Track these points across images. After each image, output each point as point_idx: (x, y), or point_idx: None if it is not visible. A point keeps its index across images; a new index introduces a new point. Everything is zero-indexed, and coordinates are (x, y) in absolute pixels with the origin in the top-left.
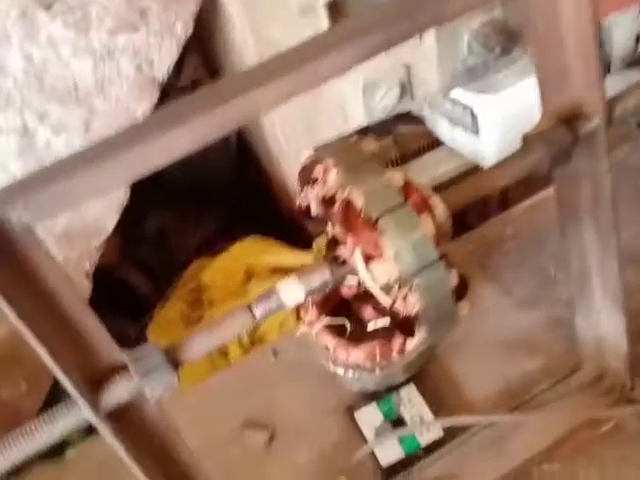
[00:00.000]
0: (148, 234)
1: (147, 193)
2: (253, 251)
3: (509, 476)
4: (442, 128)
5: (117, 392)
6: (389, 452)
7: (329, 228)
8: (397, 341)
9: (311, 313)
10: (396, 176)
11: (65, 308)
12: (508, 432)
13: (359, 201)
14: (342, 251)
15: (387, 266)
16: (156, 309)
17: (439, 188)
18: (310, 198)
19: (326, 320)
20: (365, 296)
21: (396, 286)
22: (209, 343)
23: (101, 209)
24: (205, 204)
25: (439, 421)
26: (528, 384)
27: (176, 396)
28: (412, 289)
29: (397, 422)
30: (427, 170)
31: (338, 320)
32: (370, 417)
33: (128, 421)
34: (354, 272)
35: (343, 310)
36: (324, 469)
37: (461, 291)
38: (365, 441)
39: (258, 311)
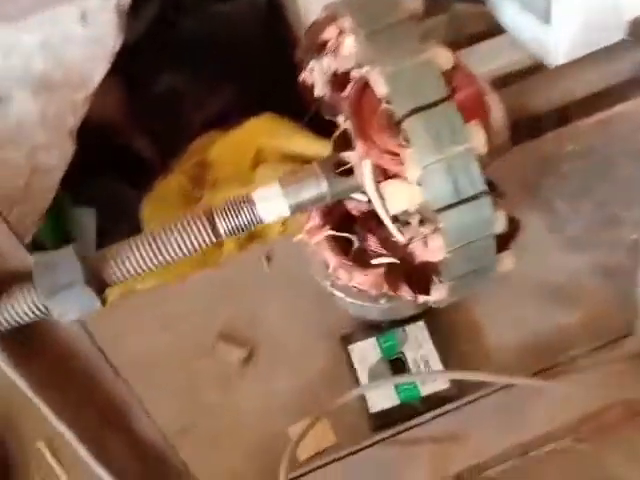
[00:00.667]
0: (158, 96)
1: (161, 50)
2: (267, 130)
3: (523, 448)
4: (506, 11)
5: (14, 308)
6: (382, 396)
7: (340, 119)
8: (404, 290)
9: (313, 219)
10: (442, 55)
11: None
12: (529, 397)
13: (379, 87)
14: (350, 156)
15: (407, 189)
16: (157, 179)
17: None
18: (316, 72)
19: (329, 231)
20: (374, 219)
21: (415, 220)
22: (147, 261)
23: (87, 56)
24: (225, 68)
25: (447, 373)
26: (562, 343)
27: (149, 291)
28: (438, 229)
29: (396, 363)
30: (481, 62)
31: (344, 234)
32: (366, 352)
33: (28, 345)
34: (360, 189)
35: (351, 224)
36: (303, 403)
37: (506, 239)
38: (356, 380)
39: (222, 226)
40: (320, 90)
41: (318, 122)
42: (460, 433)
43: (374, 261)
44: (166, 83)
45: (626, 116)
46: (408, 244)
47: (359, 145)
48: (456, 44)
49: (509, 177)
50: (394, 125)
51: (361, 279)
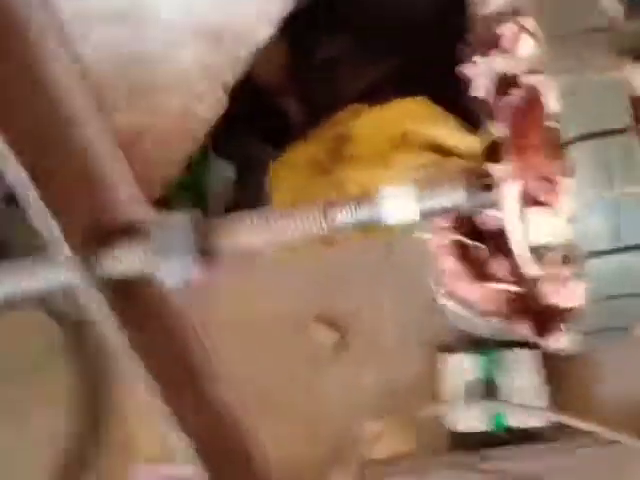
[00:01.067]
0: (317, 63)
1: (328, 16)
2: (416, 114)
3: None
4: None
5: (123, 259)
6: (467, 417)
7: (494, 125)
8: (524, 328)
9: (443, 220)
10: (637, 77)
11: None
12: (632, 460)
13: (551, 100)
14: (498, 170)
15: (556, 222)
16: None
17: None
18: (480, 67)
19: (457, 236)
20: (504, 241)
21: (557, 257)
22: (257, 240)
23: (255, 15)
24: (388, 42)
25: (546, 412)
26: None
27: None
28: (582, 274)
29: (492, 386)
30: None
31: (472, 243)
32: (462, 368)
33: (131, 300)
34: (499, 209)
35: (481, 234)
36: (386, 403)
37: None
38: (443, 392)
39: (337, 218)
40: (480, 88)
41: (472, 115)
42: (548, 477)
43: (497, 286)
44: (327, 50)
45: None
46: (539, 280)
47: (514, 160)
48: None
49: None
50: (558, 148)
51: (478, 293)
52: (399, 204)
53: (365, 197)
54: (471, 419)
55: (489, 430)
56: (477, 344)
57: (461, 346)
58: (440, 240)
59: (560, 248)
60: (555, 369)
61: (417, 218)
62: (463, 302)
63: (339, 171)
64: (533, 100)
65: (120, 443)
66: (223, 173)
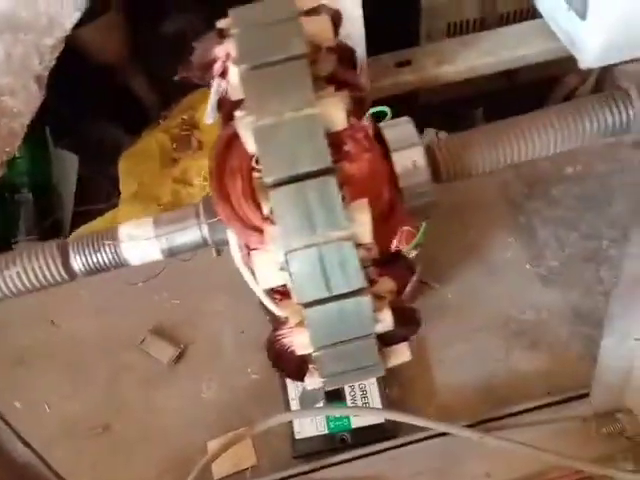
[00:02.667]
0: (165, 38)
1: None
2: None
3: None
4: None
5: None
6: (310, 423)
7: None
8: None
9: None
10: (333, 112)
11: None
12: (467, 449)
13: (249, 142)
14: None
15: (271, 268)
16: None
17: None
18: (213, 89)
19: None
20: None
21: (292, 301)
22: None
23: (59, 1)
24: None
25: (383, 411)
26: (515, 392)
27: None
28: (304, 323)
29: (333, 390)
30: (509, 46)
31: None
32: None
33: None
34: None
35: None
36: (228, 417)
37: (404, 332)
38: (287, 400)
39: (77, 264)
40: (209, 114)
41: None
42: (388, 474)
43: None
44: (175, 24)
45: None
46: (280, 324)
47: (219, 211)
48: (482, 22)
49: (494, 194)
50: (262, 191)
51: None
52: (138, 244)
53: (105, 238)
54: (312, 425)
55: (330, 432)
56: None
57: None
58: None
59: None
60: (394, 370)
61: (160, 258)
62: None
63: (186, 160)
64: (237, 140)
65: None
66: (67, 165)
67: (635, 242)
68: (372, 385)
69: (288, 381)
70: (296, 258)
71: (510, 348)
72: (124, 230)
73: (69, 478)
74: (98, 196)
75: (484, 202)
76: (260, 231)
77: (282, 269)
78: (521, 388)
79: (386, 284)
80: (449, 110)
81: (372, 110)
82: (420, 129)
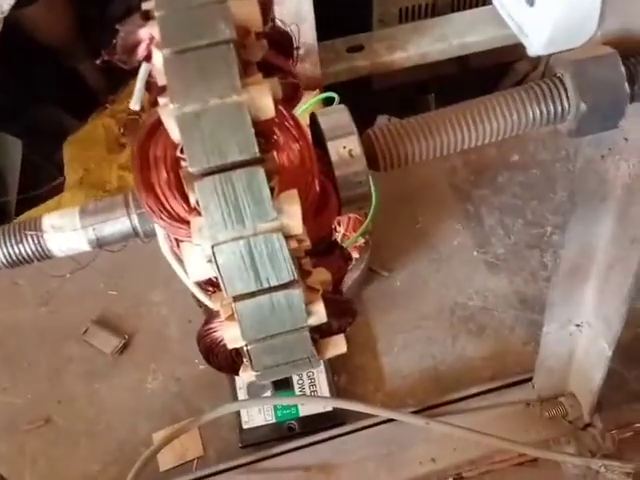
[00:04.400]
0: (112, 21)
1: None
2: None
3: None
4: None
5: None
6: (257, 412)
7: None
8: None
9: None
10: (260, 99)
11: None
12: (413, 434)
13: (172, 130)
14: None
15: (200, 261)
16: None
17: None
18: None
19: None
20: None
21: (221, 298)
22: None
23: None
24: None
25: (329, 400)
26: (460, 377)
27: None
28: (233, 316)
29: (283, 380)
30: (458, 32)
31: None
32: None
33: None
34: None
35: None
36: (174, 408)
37: (335, 324)
38: (234, 390)
39: None
40: (135, 100)
41: None
42: (334, 463)
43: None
44: (122, 5)
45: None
46: (211, 316)
47: (143, 203)
48: (434, 8)
49: (441, 181)
50: (189, 182)
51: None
52: (64, 235)
53: (29, 229)
54: (260, 414)
55: (278, 422)
56: None
57: None
58: None
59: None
60: (342, 358)
61: (87, 249)
62: None
63: (127, 153)
64: (161, 127)
65: None
66: (10, 150)
67: (572, 230)
68: (320, 373)
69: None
70: (223, 251)
71: (457, 334)
72: (48, 220)
73: (9, 473)
74: (43, 182)
75: (432, 189)
76: (187, 223)
77: (210, 262)
78: (467, 373)
79: (321, 275)
80: (402, 95)
81: (321, 96)
82: (373, 115)
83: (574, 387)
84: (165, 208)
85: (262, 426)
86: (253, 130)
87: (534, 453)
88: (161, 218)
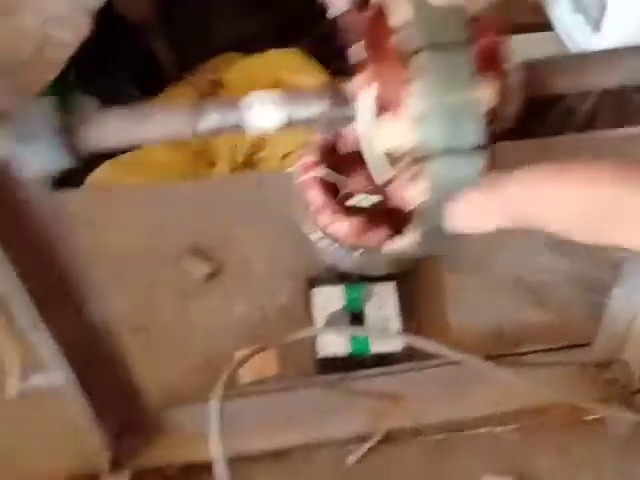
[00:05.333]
0: (191, 6)
1: None
2: (291, 65)
3: (458, 425)
4: (558, 9)
5: None
6: (333, 343)
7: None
8: (380, 233)
9: (310, 155)
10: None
11: None
12: (477, 379)
13: (401, 12)
14: (355, 82)
15: (403, 127)
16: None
17: None
18: None
19: (322, 172)
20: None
21: (407, 161)
22: (123, 133)
23: None
24: None
25: (403, 336)
26: (523, 337)
27: (131, 187)
28: (423, 174)
29: (356, 317)
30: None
31: (336, 176)
32: (329, 299)
33: None
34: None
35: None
36: (255, 333)
37: None
38: (312, 323)
39: (205, 122)
40: (338, 6)
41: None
42: (402, 394)
43: (353, 199)
44: None
45: None
46: (387, 184)
47: (369, 69)
48: None
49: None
50: (405, 57)
51: (339, 226)
52: (264, 110)
53: (231, 102)
54: (335, 345)
55: (352, 355)
56: (343, 278)
57: (328, 279)
58: (306, 174)
59: (409, 152)
60: (413, 299)
61: (281, 124)
62: (327, 235)
63: None
64: (384, 13)
65: None
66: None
67: None
68: (393, 317)
69: (316, 305)
70: (431, 111)
71: (520, 303)
72: (253, 95)
73: None
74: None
75: None
76: (402, 88)
77: (415, 122)
78: (529, 336)
79: None
80: None
81: None
82: None
83: (629, 355)
84: (387, 74)
85: (336, 357)
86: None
87: (590, 406)
88: (383, 82)
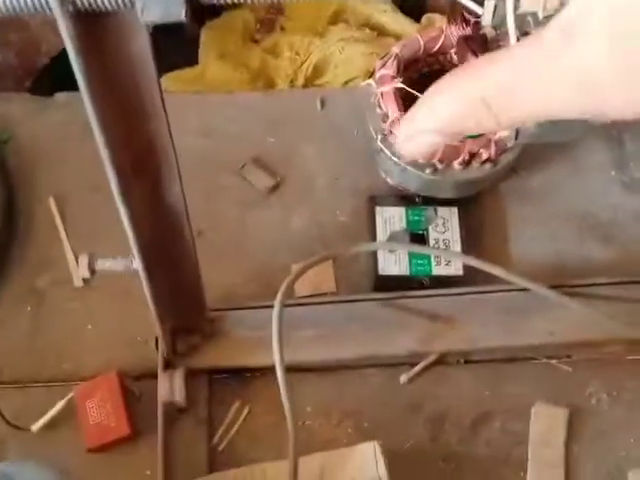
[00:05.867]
0: None
1: None
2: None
3: (512, 351)
4: None
5: None
6: (394, 263)
7: None
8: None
9: (390, 67)
10: None
11: None
12: (537, 307)
13: None
14: None
15: None
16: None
17: None
18: None
19: (401, 84)
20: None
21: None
22: None
23: None
24: None
25: (466, 257)
26: (587, 270)
27: (196, 94)
28: None
29: (418, 238)
30: None
31: (413, 91)
32: (392, 219)
33: (100, 32)
34: None
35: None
36: (314, 247)
37: None
38: (373, 240)
39: None
40: None
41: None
42: (458, 317)
43: None
44: None
45: None
46: None
47: None
48: None
49: None
50: None
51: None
52: None
53: None
54: (396, 264)
55: (411, 275)
56: (406, 199)
57: (391, 200)
58: (384, 87)
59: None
60: (475, 227)
61: None
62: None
63: (270, 39)
64: None
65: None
66: None
67: None
68: (455, 242)
69: (378, 223)
70: None
71: (584, 238)
72: None
73: None
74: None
75: None
76: None
77: None
78: (591, 270)
79: None
80: None
81: None
82: None
83: None
84: None
85: (396, 276)
86: None
87: None
88: None
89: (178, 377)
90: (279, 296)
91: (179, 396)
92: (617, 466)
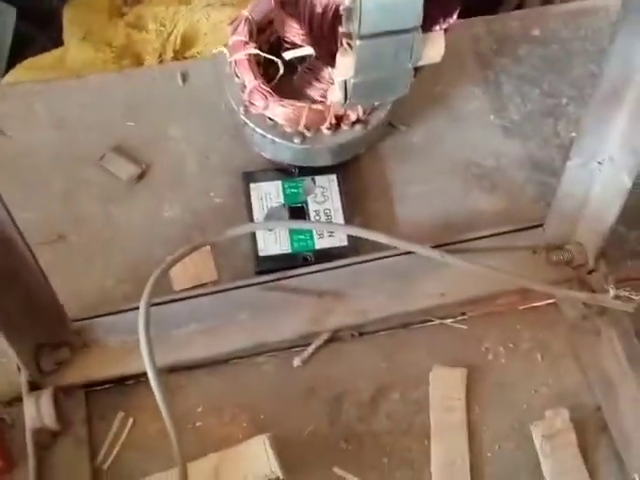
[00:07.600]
0: None
1: None
2: None
3: (405, 317)
4: None
5: None
6: (274, 242)
7: None
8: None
9: (242, 32)
10: None
11: None
12: (425, 269)
13: None
14: None
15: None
16: None
17: None
18: None
19: (254, 49)
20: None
21: None
22: None
23: None
24: None
25: (347, 227)
26: (472, 225)
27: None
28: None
29: (298, 212)
30: None
31: (269, 56)
32: (268, 194)
33: None
34: None
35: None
36: (189, 235)
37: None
38: (250, 219)
39: None
40: None
41: None
42: (347, 291)
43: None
44: None
45: (596, 12)
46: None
47: None
48: None
49: (465, 47)
50: None
51: (278, 110)
52: None
53: None
54: (276, 243)
55: (294, 252)
56: (282, 172)
57: (265, 175)
58: (237, 54)
59: None
60: (356, 203)
61: None
62: (263, 123)
63: (134, 11)
64: None
65: None
66: (4, 16)
67: (617, 44)
68: (337, 212)
69: (254, 201)
70: None
71: (469, 189)
72: None
73: None
74: (35, 53)
75: (454, 55)
76: None
77: None
78: (478, 223)
79: None
80: None
81: None
82: None
83: (583, 235)
84: None
85: (277, 255)
86: None
87: (540, 288)
88: None
89: (45, 399)
90: (145, 295)
91: (48, 420)
92: (519, 420)
